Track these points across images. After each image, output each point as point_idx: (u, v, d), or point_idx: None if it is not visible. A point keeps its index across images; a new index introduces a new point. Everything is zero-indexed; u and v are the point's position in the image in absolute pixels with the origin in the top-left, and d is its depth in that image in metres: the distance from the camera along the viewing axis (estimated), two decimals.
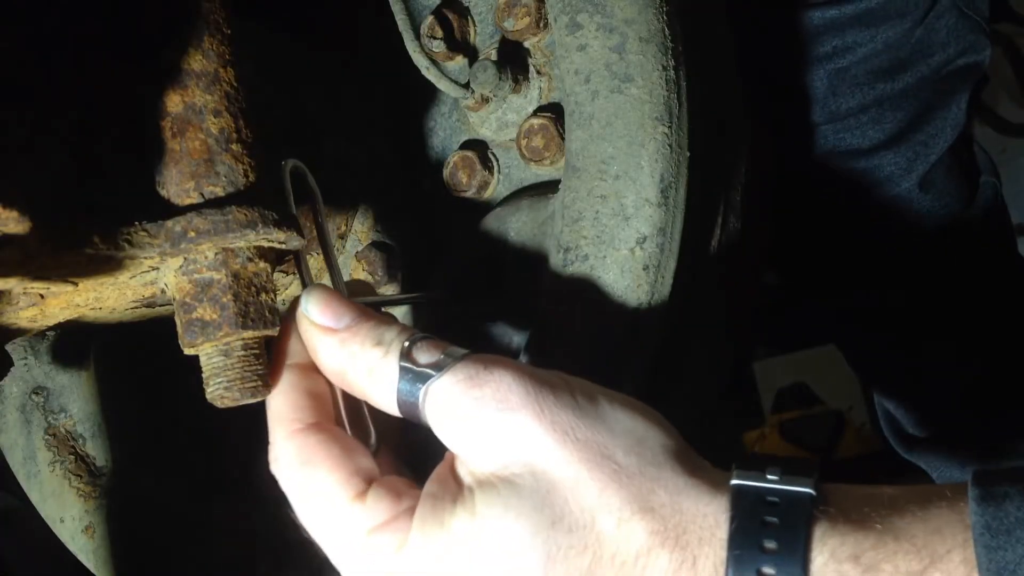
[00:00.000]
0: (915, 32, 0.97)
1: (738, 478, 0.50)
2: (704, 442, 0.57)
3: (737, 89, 0.81)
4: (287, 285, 0.77)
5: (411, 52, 0.74)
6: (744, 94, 0.81)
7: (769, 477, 0.49)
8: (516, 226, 0.73)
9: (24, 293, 0.57)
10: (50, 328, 0.64)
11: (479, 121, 0.77)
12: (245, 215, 0.55)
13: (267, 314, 0.58)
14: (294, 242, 0.59)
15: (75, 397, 0.91)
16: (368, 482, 0.54)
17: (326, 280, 0.74)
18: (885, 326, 1.08)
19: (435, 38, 0.76)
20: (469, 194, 0.77)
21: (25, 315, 0.59)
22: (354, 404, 0.59)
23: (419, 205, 0.83)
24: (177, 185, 0.56)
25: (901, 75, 0.97)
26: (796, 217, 1.04)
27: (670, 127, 0.64)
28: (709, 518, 0.48)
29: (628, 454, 0.50)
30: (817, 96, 0.99)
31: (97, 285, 0.58)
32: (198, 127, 0.56)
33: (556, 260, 0.67)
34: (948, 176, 1.04)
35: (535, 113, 0.74)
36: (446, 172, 0.78)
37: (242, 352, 0.57)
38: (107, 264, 0.55)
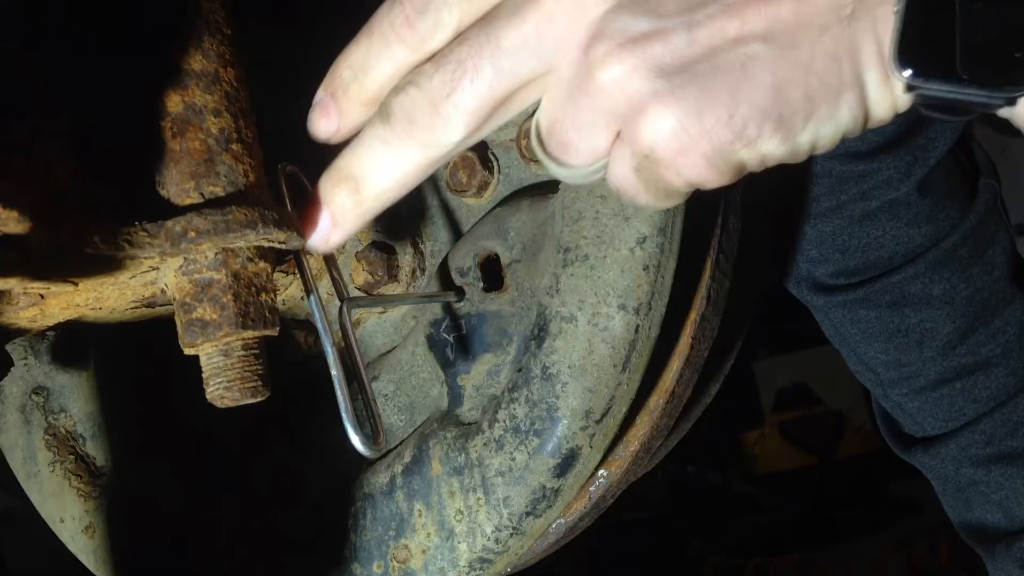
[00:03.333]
0: None
1: None
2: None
3: None
4: (287, 285, 0.77)
5: None
6: None
7: None
8: (516, 226, 0.73)
9: (24, 293, 0.57)
10: (50, 328, 0.64)
11: None
12: (245, 215, 0.55)
13: (267, 314, 0.58)
14: (294, 242, 0.59)
15: (75, 397, 0.91)
16: None
17: (326, 280, 0.74)
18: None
19: None
20: (469, 194, 0.77)
21: (25, 315, 0.59)
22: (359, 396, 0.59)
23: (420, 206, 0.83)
24: (177, 185, 0.56)
25: None
26: (796, 217, 1.04)
27: None
28: None
29: None
30: None
31: (97, 285, 0.58)
32: (198, 127, 0.56)
33: (556, 260, 0.66)
34: (947, 180, 1.04)
35: (535, 113, 0.74)
36: (446, 172, 0.78)
37: (242, 352, 0.57)
38: (107, 264, 0.55)
